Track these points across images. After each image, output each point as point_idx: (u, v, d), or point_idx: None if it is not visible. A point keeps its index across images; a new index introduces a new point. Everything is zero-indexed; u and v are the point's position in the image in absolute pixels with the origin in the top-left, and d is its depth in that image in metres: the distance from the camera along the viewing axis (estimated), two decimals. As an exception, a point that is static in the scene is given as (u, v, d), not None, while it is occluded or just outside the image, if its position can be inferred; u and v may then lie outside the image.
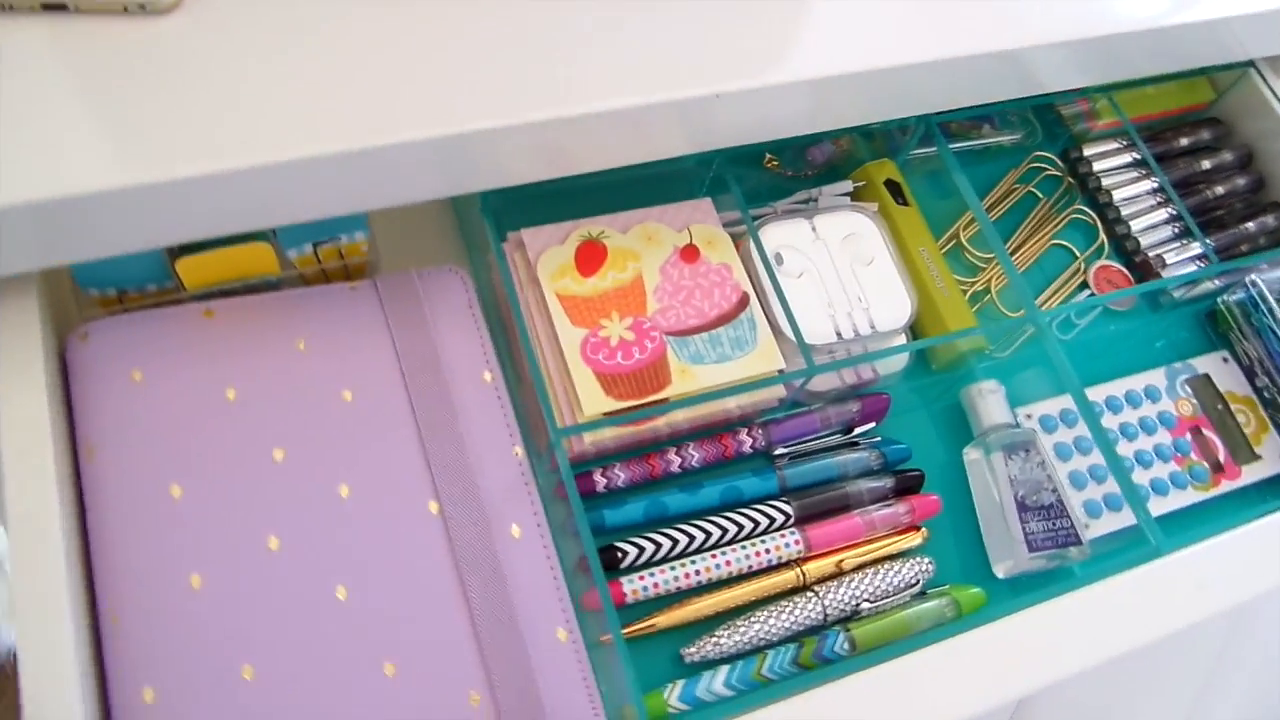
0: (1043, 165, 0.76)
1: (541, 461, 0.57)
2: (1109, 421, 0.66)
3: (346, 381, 0.54)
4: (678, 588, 0.55)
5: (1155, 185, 0.75)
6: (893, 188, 0.68)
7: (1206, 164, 0.76)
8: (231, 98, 0.48)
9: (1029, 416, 0.65)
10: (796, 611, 0.56)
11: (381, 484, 0.51)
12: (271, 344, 0.54)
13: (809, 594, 0.56)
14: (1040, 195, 0.75)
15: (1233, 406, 0.69)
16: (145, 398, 0.51)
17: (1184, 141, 0.78)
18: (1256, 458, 0.67)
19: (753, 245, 0.61)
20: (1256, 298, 0.68)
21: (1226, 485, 0.66)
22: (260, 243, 0.53)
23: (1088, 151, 0.76)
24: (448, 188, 0.54)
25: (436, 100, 0.50)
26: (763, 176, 0.71)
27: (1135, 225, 0.74)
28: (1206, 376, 0.70)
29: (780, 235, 0.63)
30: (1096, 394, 0.67)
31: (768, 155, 0.71)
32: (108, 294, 0.54)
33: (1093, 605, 0.53)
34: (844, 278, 0.62)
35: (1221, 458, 0.67)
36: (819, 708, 0.49)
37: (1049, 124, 0.78)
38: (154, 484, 0.49)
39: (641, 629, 0.54)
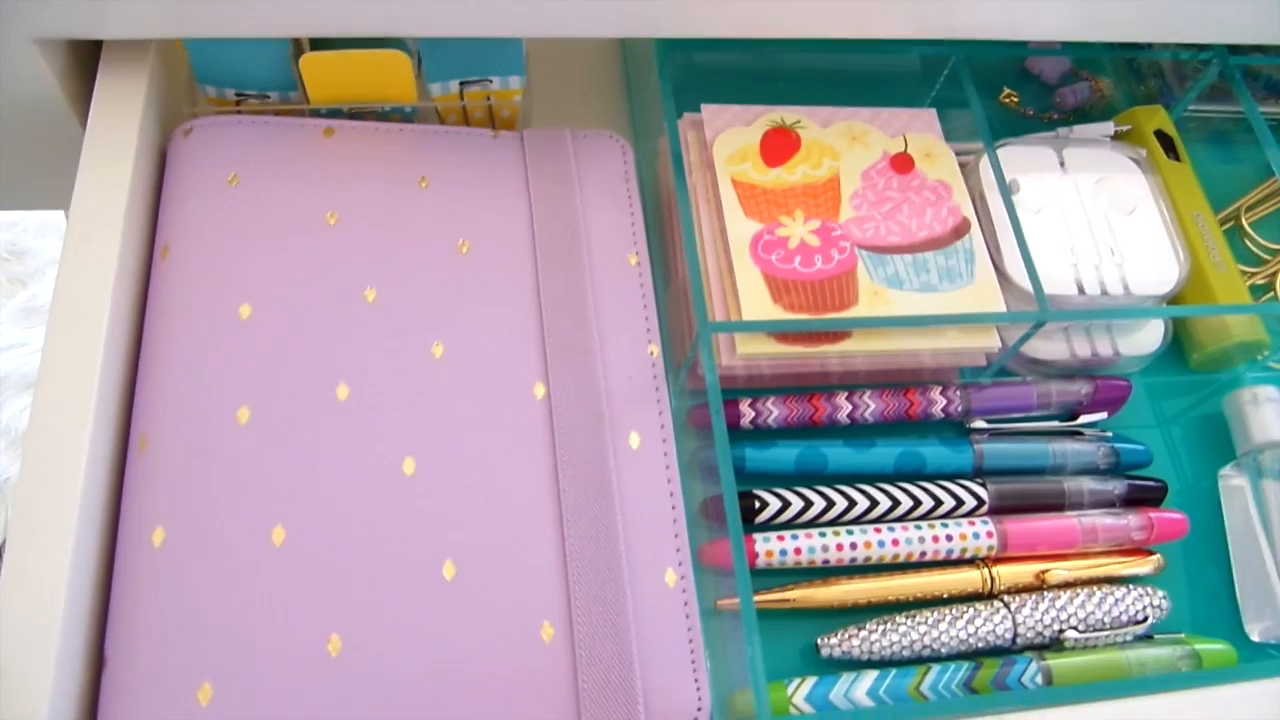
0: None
1: (679, 381, 0.46)
2: None
3: (467, 231, 0.44)
4: (824, 561, 0.43)
5: None
6: (1164, 140, 0.55)
7: None
8: None
9: (1315, 445, 0.50)
10: (979, 622, 0.42)
11: (484, 351, 0.42)
12: (391, 175, 0.45)
13: (997, 604, 0.43)
14: (1353, 189, 0.59)
15: None
16: (237, 204, 0.43)
17: None
18: None
19: (986, 163, 0.48)
20: None
21: None
22: (397, 51, 0.44)
23: None
24: (618, 24, 0.45)
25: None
26: (998, 113, 0.59)
27: None
28: None
29: (1019, 161, 0.50)
30: None
31: (1006, 90, 0.59)
32: (225, 94, 0.47)
33: None
34: (1095, 224, 0.49)
35: None
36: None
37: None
38: (223, 299, 0.41)
39: (771, 601, 0.42)
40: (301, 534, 0.37)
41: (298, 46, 0.45)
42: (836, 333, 0.45)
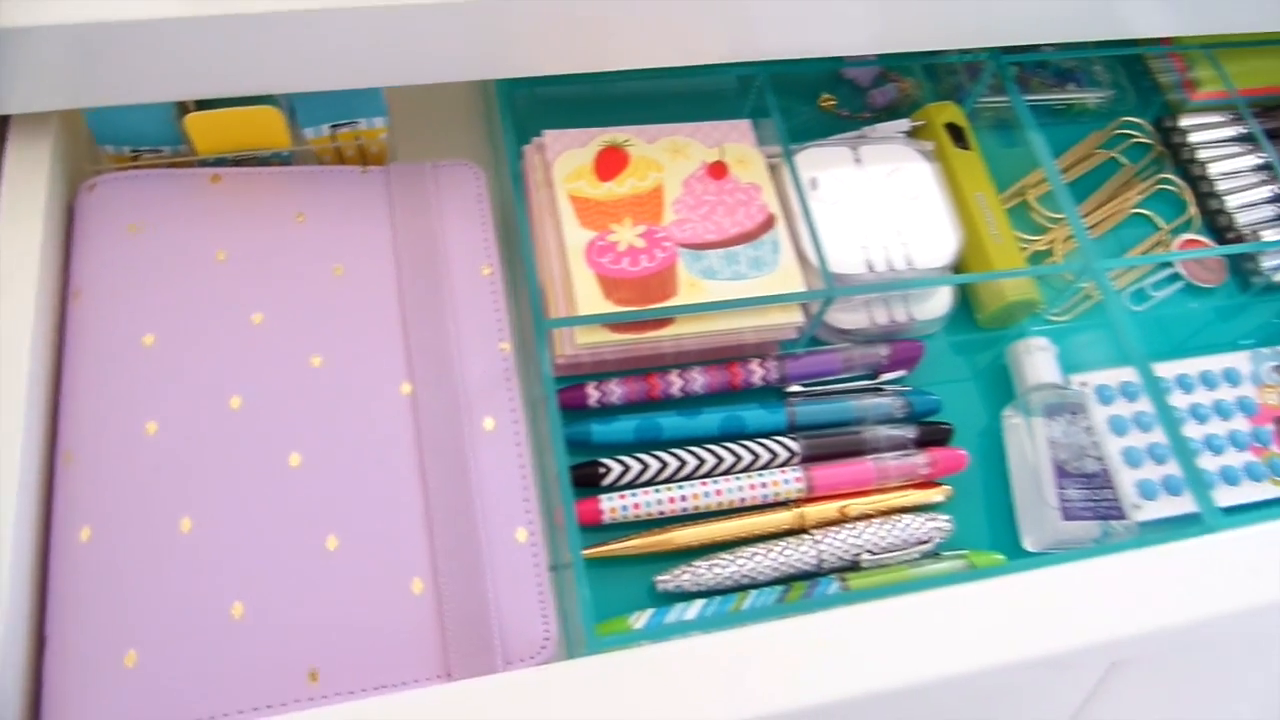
0: (1131, 132, 0.69)
1: (537, 367, 0.54)
2: (1177, 400, 0.59)
3: (340, 257, 0.52)
4: (660, 513, 0.51)
5: (1261, 161, 0.67)
6: (954, 131, 0.63)
7: (1324, 143, 0.68)
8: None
9: (1084, 384, 0.59)
10: (789, 553, 0.51)
11: (356, 359, 0.49)
12: (271, 213, 0.53)
13: (805, 537, 0.51)
14: (1125, 161, 0.68)
15: (1331, 402, 0.61)
16: (137, 249, 0.50)
17: (1302, 119, 0.70)
18: (1353, 460, 0.59)
19: (786, 165, 0.56)
20: (1366, 282, 0.60)
21: (1314, 485, 0.58)
22: (269, 106, 0.52)
23: (1184, 121, 0.69)
24: (468, 68, 0.52)
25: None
26: (818, 116, 0.67)
27: (1231, 201, 0.66)
28: (1300, 366, 0.62)
29: (820, 161, 0.58)
30: (1165, 370, 0.60)
31: (824, 94, 0.67)
32: (123, 152, 0.54)
33: (1127, 573, 0.46)
34: (884, 211, 0.57)
35: (1310, 455, 0.59)
36: (795, 636, 0.44)
37: (1143, 91, 0.71)
38: (129, 330, 0.48)
39: (612, 550, 0.50)
40: (206, 522, 0.44)
41: (183, 107, 0.52)
42: (661, 320, 0.53)
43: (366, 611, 0.44)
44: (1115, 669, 0.60)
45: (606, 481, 0.52)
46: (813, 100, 0.67)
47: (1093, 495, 0.52)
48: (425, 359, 0.50)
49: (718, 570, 0.50)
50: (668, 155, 0.57)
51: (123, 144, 0.54)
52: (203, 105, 0.52)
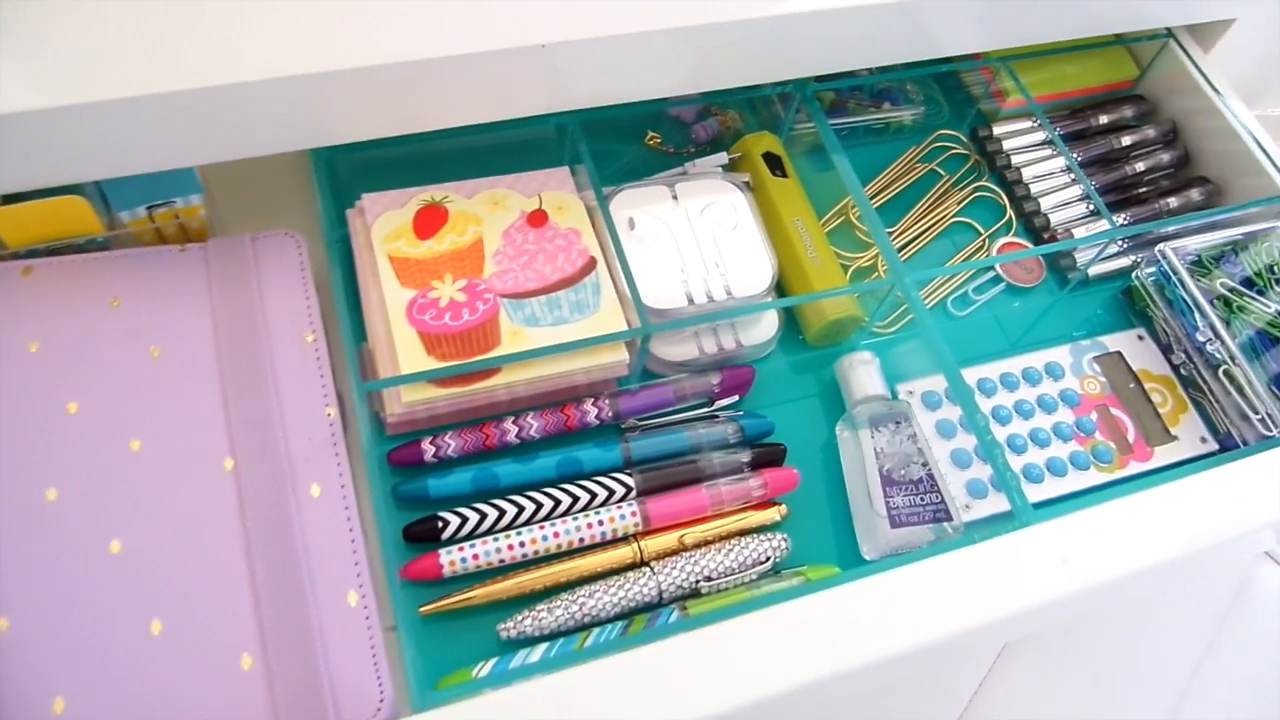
0: (948, 144, 0.72)
1: (374, 428, 0.55)
2: (1003, 399, 0.61)
3: (157, 339, 0.52)
4: (500, 560, 0.52)
5: (1067, 163, 0.71)
6: (771, 160, 0.65)
7: (1127, 140, 0.72)
8: (46, 37, 0.48)
9: (910, 393, 0.61)
10: (628, 588, 0.51)
11: (176, 439, 0.49)
12: (85, 301, 0.53)
13: (645, 570, 0.52)
14: (943, 173, 0.71)
15: (1148, 385, 0.63)
16: (-56, 350, 0.50)
17: (1104, 119, 0.74)
18: (1171, 438, 0.62)
19: (610, 207, 0.58)
20: (1167, 269, 0.63)
21: (1136, 467, 0.60)
22: (74, 196, 0.52)
23: (997, 130, 0.72)
24: (282, 140, 0.53)
25: (269, 41, 0.49)
26: (644, 155, 0.69)
27: (1045, 203, 0.69)
28: (1118, 354, 0.64)
29: (637, 202, 0.60)
30: (991, 370, 0.62)
31: (650, 133, 0.69)
32: (-70, 252, 0.54)
33: (944, 573, 0.48)
34: (702, 245, 0.59)
35: (1131, 438, 0.61)
36: (634, 666, 0.45)
37: (957, 104, 0.75)
38: (-62, 433, 0.47)
39: (451, 604, 0.51)
40: (26, 617, 0.44)
41: (-14, 203, 0.52)
42: (487, 370, 0.54)
43: (196, 693, 0.44)
44: (948, 664, 0.62)
45: (445, 535, 0.52)
46: (639, 139, 0.69)
47: (919, 500, 0.54)
48: (247, 432, 0.50)
49: (559, 612, 0.50)
50: (487, 208, 0.59)
51: (-70, 244, 0.53)
52: (9, 199, 0.52)
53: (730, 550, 0.53)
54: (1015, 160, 0.71)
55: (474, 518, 0.52)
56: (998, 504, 0.57)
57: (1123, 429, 0.62)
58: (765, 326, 0.60)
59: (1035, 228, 0.69)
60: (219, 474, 0.49)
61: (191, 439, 0.50)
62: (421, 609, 0.51)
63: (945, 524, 0.54)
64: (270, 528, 0.48)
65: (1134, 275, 0.67)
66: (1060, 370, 0.63)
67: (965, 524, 0.55)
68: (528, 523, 0.53)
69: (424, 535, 0.52)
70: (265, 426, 0.50)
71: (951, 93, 0.75)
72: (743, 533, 0.55)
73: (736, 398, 0.59)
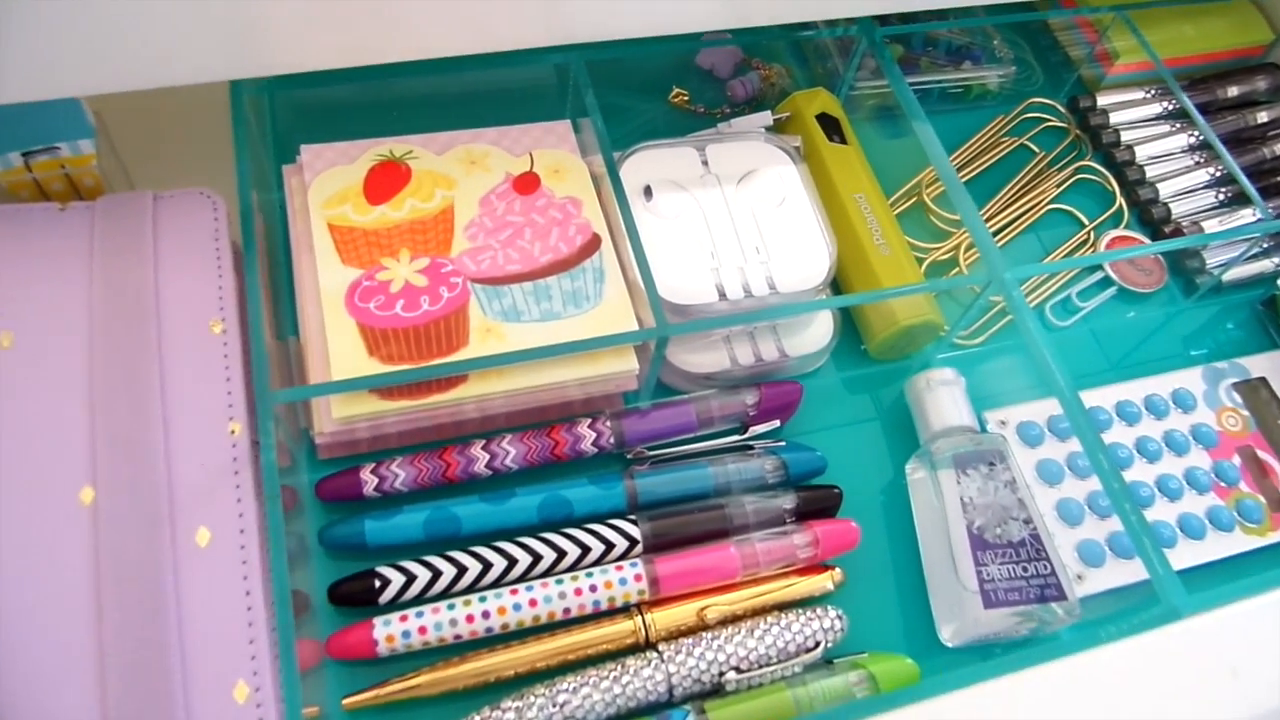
0: (1042, 115, 0.59)
1: (300, 449, 0.42)
2: (1121, 434, 0.48)
3: (11, 323, 0.39)
4: (456, 636, 0.38)
5: (1194, 141, 0.57)
6: (828, 123, 0.52)
7: (1264, 116, 0.58)
8: None
9: (1003, 423, 0.47)
10: (628, 680, 0.38)
11: (20, 459, 0.36)
12: (-81, 270, 0.40)
13: (651, 654, 0.39)
14: (1036, 150, 0.58)
15: (1302, 424, 0.50)
16: None
17: (1233, 91, 0.60)
18: (1338, 495, 0.48)
19: (622, 172, 0.45)
20: (1332, 275, 0.49)
21: (1293, 531, 0.46)
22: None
23: (1102, 100, 0.59)
24: (203, 67, 0.40)
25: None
26: (668, 114, 0.56)
27: (1164, 189, 0.56)
28: (1262, 381, 0.51)
29: (657, 166, 0.47)
30: (1103, 397, 0.49)
31: (676, 88, 0.56)
32: None
33: (1069, 684, 0.35)
34: (739, 224, 0.46)
35: (1286, 492, 0.48)
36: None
37: (1052, 66, 0.61)
38: None
39: (384, 695, 0.37)
40: None
41: None
42: (450, 379, 0.40)
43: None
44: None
45: (385, 598, 0.39)
46: (662, 95, 0.56)
47: (1021, 570, 0.41)
48: (116, 454, 0.37)
49: (533, 713, 0.37)
50: (461, 168, 0.45)
51: None
52: None
53: (766, 631, 0.39)
54: (1125, 137, 0.57)
55: (424, 575, 0.39)
56: (1119, 574, 0.44)
57: (1274, 478, 0.48)
58: (817, 332, 0.47)
59: (1152, 219, 0.56)
60: (72, 509, 0.36)
61: (42, 458, 0.36)
62: (346, 700, 0.37)
63: (1055, 604, 0.40)
64: (133, 587, 0.34)
65: (1278, 282, 0.53)
66: (1190, 400, 0.49)
67: (1080, 601, 0.42)
68: (495, 584, 0.40)
69: (356, 597, 0.39)
70: (142, 446, 0.37)
71: (1045, 54, 0.62)
72: (784, 606, 0.41)
73: (778, 423, 0.45)
